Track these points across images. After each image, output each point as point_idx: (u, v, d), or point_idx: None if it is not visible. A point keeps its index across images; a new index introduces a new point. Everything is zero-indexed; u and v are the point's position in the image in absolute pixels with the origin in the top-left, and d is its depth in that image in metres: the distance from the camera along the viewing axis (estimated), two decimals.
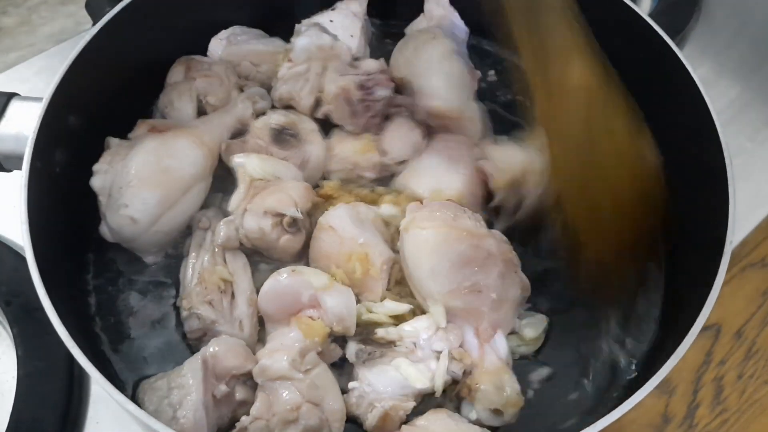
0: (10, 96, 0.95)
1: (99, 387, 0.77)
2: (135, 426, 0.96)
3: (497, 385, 0.84)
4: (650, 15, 1.06)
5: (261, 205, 0.94)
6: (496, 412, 0.84)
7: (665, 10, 1.37)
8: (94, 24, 1.00)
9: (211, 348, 0.85)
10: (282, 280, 0.89)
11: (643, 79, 1.09)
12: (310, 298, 0.88)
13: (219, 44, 1.18)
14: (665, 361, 0.76)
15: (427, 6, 1.23)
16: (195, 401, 0.81)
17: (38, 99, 0.92)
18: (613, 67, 1.11)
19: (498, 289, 0.88)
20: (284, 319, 0.90)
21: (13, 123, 0.93)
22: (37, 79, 1.35)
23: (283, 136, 1.04)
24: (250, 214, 0.94)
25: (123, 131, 1.04)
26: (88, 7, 1.34)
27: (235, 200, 0.97)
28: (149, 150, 0.96)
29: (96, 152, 1.01)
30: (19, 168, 0.86)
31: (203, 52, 1.18)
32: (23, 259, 0.81)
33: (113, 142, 1.00)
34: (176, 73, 1.12)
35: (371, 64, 1.09)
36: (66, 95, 0.92)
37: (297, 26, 1.16)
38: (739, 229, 1.20)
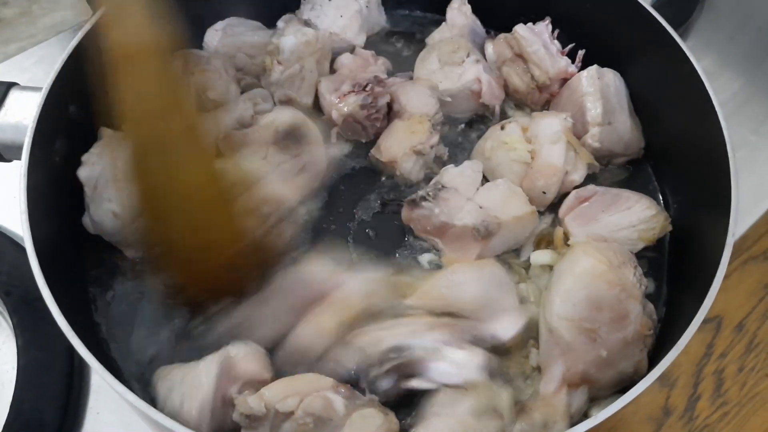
0: (10, 85, 0.95)
1: (99, 377, 0.77)
2: (135, 416, 0.96)
3: (546, 423, 0.83)
4: (653, 6, 1.05)
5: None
6: None
7: (668, 2, 1.37)
8: (93, 14, 0.99)
9: (232, 350, 0.85)
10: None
11: (646, 70, 1.10)
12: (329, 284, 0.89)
13: (215, 35, 1.16)
14: (666, 354, 0.76)
15: (449, 15, 1.22)
16: (203, 400, 0.80)
17: (38, 88, 0.92)
18: (616, 57, 1.11)
19: (612, 352, 0.84)
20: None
21: (13, 112, 0.93)
22: (37, 69, 1.34)
23: (285, 142, 1.02)
24: None
25: None
26: None
27: None
28: None
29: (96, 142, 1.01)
30: (19, 158, 0.86)
31: (200, 43, 1.17)
32: (23, 250, 0.81)
33: (106, 132, 0.99)
34: None
35: (367, 74, 1.09)
36: (66, 85, 0.92)
37: (279, 24, 1.16)
38: (741, 222, 1.20)
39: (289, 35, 1.10)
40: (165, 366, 0.86)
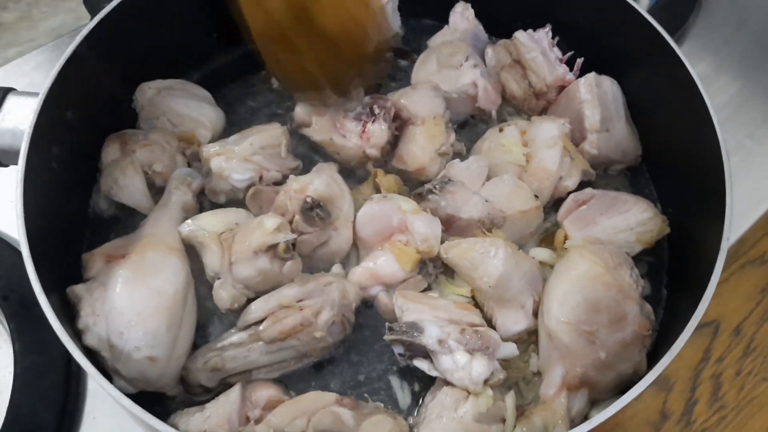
0: (7, 91, 0.95)
1: (95, 382, 0.77)
2: (131, 421, 0.96)
3: (546, 426, 0.83)
4: (649, 11, 1.05)
5: (246, 249, 0.90)
6: None
7: (664, 7, 1.37)
8: (92, 19, 1.00)
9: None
10: (375, 204, 0.95)
11: (642, 75, 1.10)
12: (399, 221, 0.93)
13: (147, 92, 1.08)
14: (661, 358, 0.76)
15: (452, 18, 1.22)
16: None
17: (35, 94, 0.92)
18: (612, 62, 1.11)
19: (611, 353, 0.84)
20: (377, 244, 0.95)
21: (10, 118, 0.93)
22: (36, 74, 1.34)
23: (311, 213, 0.94)
24: (240, 263, 0.90)
25: (120, 126, 1.04)
26: (87, 2, 1.34)
27: (213, 262, 0.91)
28: (128, 280, 0.86)
29: (93, 147, 1.01)
30: (16, 163, 0.86)
31: (201, 47, 1.17)
32: (20, 254, 0.81)
33: (79, 290, 0.87)
34: (111, 151, 1.01)
35: (384, 101, 1.07)
36: (63, 90, 0.92)
37: None
38: (738, 226, 1.20)
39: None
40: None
